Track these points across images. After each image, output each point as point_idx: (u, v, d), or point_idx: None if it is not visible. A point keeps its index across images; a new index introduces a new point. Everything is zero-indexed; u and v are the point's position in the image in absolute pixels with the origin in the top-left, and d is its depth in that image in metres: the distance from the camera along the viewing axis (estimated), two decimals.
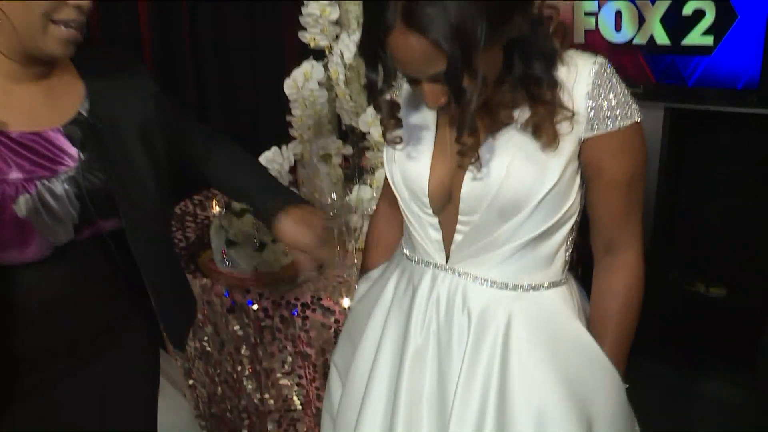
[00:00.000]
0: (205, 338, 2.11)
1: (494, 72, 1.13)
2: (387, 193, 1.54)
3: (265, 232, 2.04)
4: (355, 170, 2.48)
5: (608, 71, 1.19)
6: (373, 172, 2.30)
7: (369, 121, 2.25)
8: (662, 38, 2.65)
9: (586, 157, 1.22)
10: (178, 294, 1.54)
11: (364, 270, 1.62)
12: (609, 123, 1.18)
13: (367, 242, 1.65)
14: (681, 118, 2.82)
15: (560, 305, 1.32)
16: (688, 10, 2.57)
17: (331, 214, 2.20)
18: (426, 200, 1.29)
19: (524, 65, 1.16)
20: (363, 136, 2.39)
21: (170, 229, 1.74)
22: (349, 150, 2.37)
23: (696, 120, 2.88)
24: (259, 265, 2.05)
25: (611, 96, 1.18)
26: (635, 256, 1.31)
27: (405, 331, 1.36)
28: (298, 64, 2.36)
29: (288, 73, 2.36)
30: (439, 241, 1.33)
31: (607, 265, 1.33)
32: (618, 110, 1.19)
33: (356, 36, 2.29)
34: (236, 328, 2.00)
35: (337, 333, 1.93)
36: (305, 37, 2.36)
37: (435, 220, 1.31)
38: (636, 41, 2.71)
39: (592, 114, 1.18)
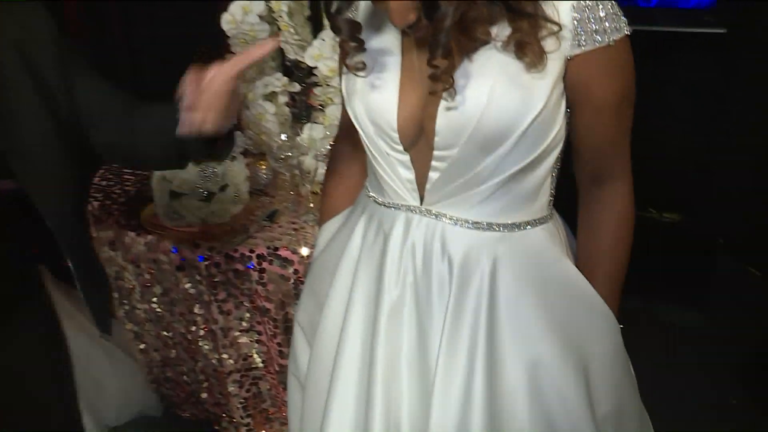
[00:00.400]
0: (154, 299, 1.96)
1: None
2: (345, 130, 1.38)
3: (213, 180, 1.88)
4: (303, 108, 2.32)
5: None
6: (323, 109, 2.15)
7: (316, 55, 2.08)
8: None
9: (572, 77, 1.09)
10: (94, 273, 1.40)
11: (324, 217, 1.49)
12: (598, 37, 1.06)
13: (325, 186, 1.51)
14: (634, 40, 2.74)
15: (547, 244, 1.20)
16: None
17: (282, 156, 2.05)
18: (395, 135, 1.15)
19: None
20: (310, 71, 2.22)
21: (82, 200, 1.56)
22: (295, 87, 2.21)
23: (649, 42, 2.80)
24: (207, 217, 1.89)
25: (599, 7, 1.05)
26: (626, 185, 1.21)
27: (378, 284, 1.22)
28: None
29: (224, 8, 2.17)
30: (411, 180, 1.18)
31: (595, 197, 1.22)
32: (607, 23, 1.06)
33: None
34: (187, 286, 1.86)
35: (297, 284, 1.80)
36: None
37: (406, 157, 1.17)
38: None
39: (579, 28, 1.05)
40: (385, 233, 1.23)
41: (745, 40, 2.57)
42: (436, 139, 1.11)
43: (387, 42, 1.17)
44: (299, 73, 2.32)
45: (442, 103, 1.08)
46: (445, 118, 1.09)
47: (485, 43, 1.07)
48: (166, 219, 1.90)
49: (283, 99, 2.18)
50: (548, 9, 1.05)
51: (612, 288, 1.23)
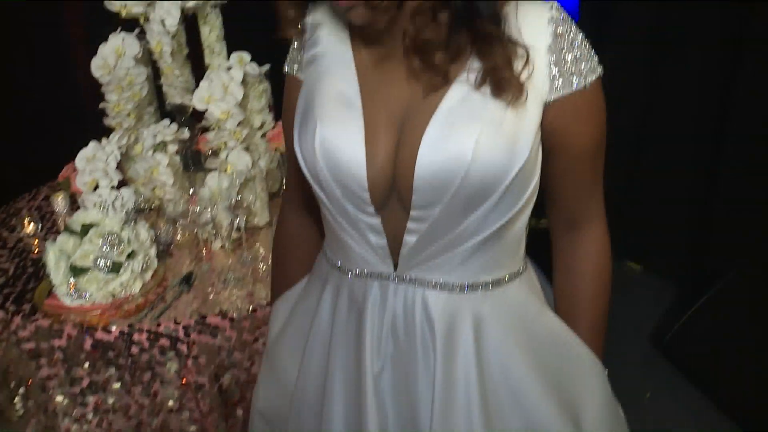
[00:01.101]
0: (61, 393, 1.70)
1: None
2: (294, 186, 1.25)
3: (119, 247, 1.67)
4: (190, 156, 2.14)
5: (566, 17, 1.00)
6: (216, 155, 1.99)
7: (206, 97, 1.92)
8: None
9: (549, 123, 1.01)
10: None
11: (276, 291, 1.34)
12: (575, 80, 0.99)
13: (274, 253, 1.37)
14: None
15: (528, 297, 1.14)
16: None
17: (183, 211, 1.87)
18: (366, 195, 1.02)
19: None
20: (195, 115, 2.06)
21: None
22: (185, 134, 2.02)
23: None
24: (116, 291, 1.68)
25: (574, 47, 0.99)
26: (602, 228, 1.16)
27: (357, 360, 1.10)
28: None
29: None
30: (383, 246, 1.07)
31: (571, 242, 1.16)
32: (582, 64, 1.00)
33: None
34: (109, 371, 1.64)
35: (231, 353, 1.64)
36: (114, 5, 1.95)
37: (377, 221, 1.05)
38: None
39: (555, 71, 0.98)
40: (358, 307, 1.11)
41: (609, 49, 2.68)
42: (414, 198, 1.00)
43: (342, 79, 1.05)
44: (181, 117, 2.15)
45: (421, 157, 0.97)
46: (426, 173, 0.97)
47: (458, 79, 0.98)
48: (68, 299, 1.66)
49: (173, 148, 2.00)
50: (514, 34, 0.97)
51: (596, 334, 1.18)
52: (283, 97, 1.20)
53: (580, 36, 1.01)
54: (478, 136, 0.95)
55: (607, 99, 1.06)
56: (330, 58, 1.08)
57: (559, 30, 0.99)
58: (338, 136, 1.02)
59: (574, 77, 0.99)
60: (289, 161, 1.28)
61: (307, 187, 1.11)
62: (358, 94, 1.04)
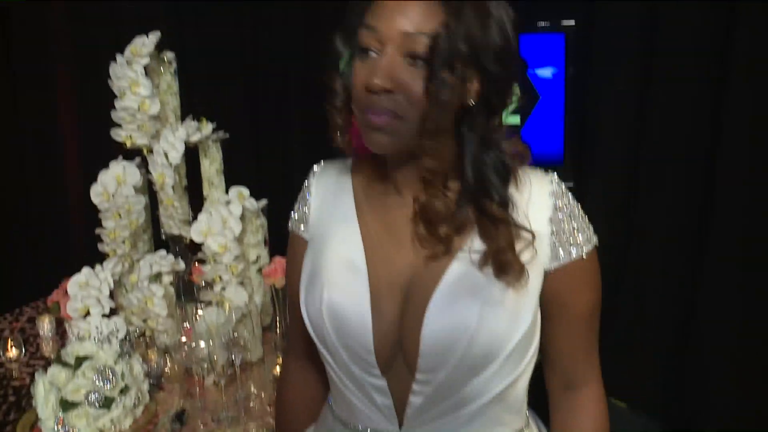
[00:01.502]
0: None
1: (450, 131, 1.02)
2: (297, 337, 1.26)
3: (112, 381, 1.64)
4: (183, 287, 2.15)
5: (564, 190, 1.08)
6: (211, 288, 2.00)
7: (203, 230, 1.95)
8: None
9: (549, 291, 1.08)
10: None
11: None
12: (573, 250, 1.06)
13: (279, 404, 1.38)
14: None
15: None
16: None
17: (177, 343, 1.85)
18: (372, 358, 1.05)
19: (475, 171, 1.02)
20: (191, 247, 2.08)
21: None
22: (181, 265, 2.04)
23: None
24: (106, 427, 1.64)
25: (573, 219, 1.07)
26: (599, 390, 1.19)
27: None
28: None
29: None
30: (389, 406, 1.09)
31: (568, 403, 1.18)
32: (580, 235, 1.07)
33: (180, 132, 2.00)
34: None
35: None
36: (119, 135, 2.00)
37: (383, 383, 1.07)
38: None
39: (556, 242, 1.06)
40: None
41: (590, 194, 2.79)
42: (420, 362, 1.03)
43: (348, 245, 1.09)
44: (176, 247, 2.17)
45: (427, 325, 1.02)
46: (431, 339, 1.02)
47: (451, 250, 1.03)
48: None
49: (168, 279, 2.00)
50: (520, 217, 1.04)
51: None
52: (288, 253, 1.24)
53: (578, 208, 1.08)
54: (480, 309, 1.00)
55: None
56: (336, 223, 1.12)
57: (559, 203, 1.06)
58: (345, 301, 1.06)
59: (573, 248, 1.06)
60: (292, 313, 1.29)
61: (311, 339, 1.13)
62: (364, 259, 1.08)
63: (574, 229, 1.06)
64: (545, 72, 2.64)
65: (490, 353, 1.01)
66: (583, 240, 1.07)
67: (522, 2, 2.74)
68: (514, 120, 2.62)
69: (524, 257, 1.02)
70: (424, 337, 1.02)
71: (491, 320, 1.00)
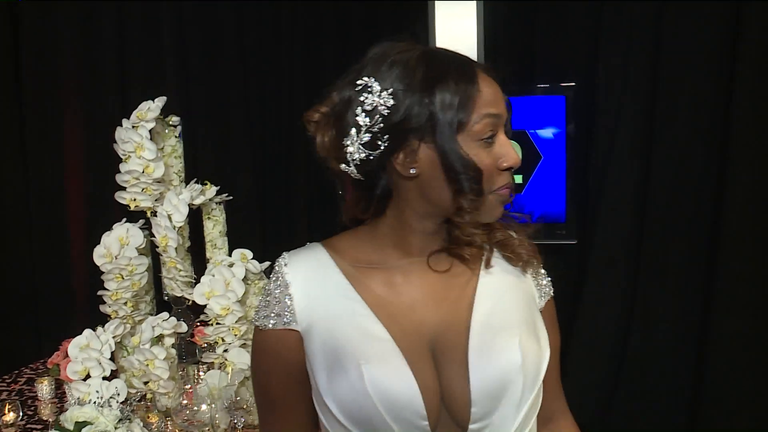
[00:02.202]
0: None
1: None
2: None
3: None
4: (184, 348, 2.14)
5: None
6: (212, 349, 1.99)
7: (206, 293, 1.94)
8: None
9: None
10: None
11: None
12: (546, 291, 1.18)
13: None
14: None
15: None
16: None
17: (179, 407, 1.83)
18: (425, 424, 1.01)
19: None
20: (193, 308, 2.08)
21: None
22: (183, 327, 2.03)
23: None
24: None
25: (541, 269, 1.18)
26: (571, 417, 1.26)
27: None
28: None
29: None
30: None
31: None
32: (544, 280, 1.18)
33: (185, 195, 2.02)
34: None
35: None
36: (123, 198, 2.02)
37: None
38: None
39: (537, 287, 1.16)
40: None
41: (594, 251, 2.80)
42: (473, 410, 1.02)
43: (361, 317, 1.06)
44: (178, 308, 2.16)
45: (472, 372, 1.02)
46: (480, 389, 1.02)
47: (469, 293, 1.08)
48: None
49: (170, 341, 2.00)
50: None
51: None
52: (260, 357, 1.14)
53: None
54: (519, 337, 1.05)
55: None
56: (335, 302, 1.08)
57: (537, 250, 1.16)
58: (387, 371, 1.01)
59: (546, 288, 1.17)
60: (276, 419, 1.17)
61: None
62: (383, 327, 1.05)
63: (543, 272, 1.18)
64: (546, 132, 2.67)
65: (531, 384, 1.04)
66: (547, 285, 1.18)
67: (523, 65, 2.82)
68: (517, 179, 2.67)
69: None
70: (474, 387, 1.02)
71: (529, 350, 1.05)
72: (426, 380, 1.02)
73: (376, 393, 1.00)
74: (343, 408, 1.02)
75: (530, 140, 2.66)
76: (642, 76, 2.74)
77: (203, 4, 3.03)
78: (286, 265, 1.11)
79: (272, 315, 1.09)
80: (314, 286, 1.09)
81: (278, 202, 3.22)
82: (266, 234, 3.17)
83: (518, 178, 2.66)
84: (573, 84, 2.71)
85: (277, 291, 1.10)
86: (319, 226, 2.89)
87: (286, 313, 1.08)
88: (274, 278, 1.11)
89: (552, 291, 1.18)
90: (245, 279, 1.97)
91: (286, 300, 1.09)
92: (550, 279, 1.19)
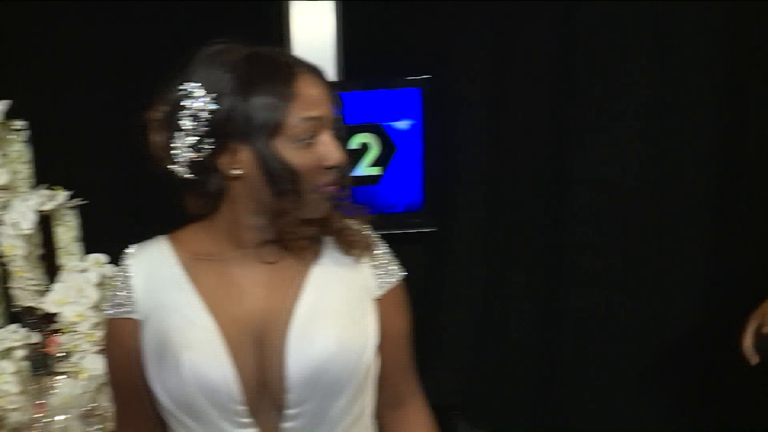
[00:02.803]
0: None
1: None
2: (134, 425, 1.21)
3: None
4: (37, 359, 2.08)
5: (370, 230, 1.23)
6: (67, 358, 1.95)
7: (58, 300, 1.91)
8: None
9: (378, 315, 1.20)
10: None
11: None
12: (389, 279, 1.22)
13: None
14: None
15: None
16: (355, 144, 2.74)
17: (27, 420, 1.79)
18: (242, 409, 1.08)
19: None
20: (45, 317, 2.02)
21: None
22: (34, 338, 1.97)
23: None
24: None
25: (386, 255, 1.24)
26: (423, 402, 1.32)
27: None
28: None
29: None
30: None
31: (400, 420, 1.29)
32: (390, 266, 1.23)
33: (32, 201, 1.96)
34: None
35: None
36: None
37: (255, 430, 1.10)
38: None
39: (377, 274, 1.21)
40: None
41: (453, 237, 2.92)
42: (289, 396, 1.08)
43: (189, 308, 1.12)
44: (30, 319, 2.10)
45: (288, 358, 1.07)
46: (295, 374, 1.07)
47: (299, 283, 1.13)
48: None
49: (20, 354, 1.94)
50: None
51: None
52: (108, 343, 1.21)
53: (383, 243, 1.24)
54: (336, 331, 1.09)
55: None
56: (169, 292, 1.14)
57: (375, 240, 1.22)
58: (205, 359, 1.07)
59: (389, 277, 1.22)
60: (122, 401, 1.23)
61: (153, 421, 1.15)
62: (209, 316, 1.10)
63: (387, 261, 1.23)
64: (402, 124, 2.74)
65: (349, 372, 1.10)
66: (393, 270, 1.23)
67: (380, 60, 2.88)
68: (375, 171, 2.74)
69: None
70: (289, 373, 1.07)
71: (347, 340, 1.09)
72: (246, 367, 1.08)
73: (195, 379, 1.06)
74: (169, 395, 1.09)
75: (385, 133, 2.73)
76: (491, 68, 2.86)
77: (46, 5, 2.92)
78: (130, 257, 1.18)
79: (116, 304, 1.16)
80: (154, 277, 1.15)
81: (140, 202, 3.15)
82: (130, 236, 3.09)
83: (375, 170, 2.74)
84: (428, 76, 2.79)
85: (120, 282, 1.17)
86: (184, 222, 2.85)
87: (127, 303, 1.15)
88: (119, 270, 1.18)
89: (397, 278, 1.23)
90: (101, 284, 1.94)
91: (128, 290, 1.15)
92: (396, 266, 1.24)
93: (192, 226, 1.18)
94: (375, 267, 1.21)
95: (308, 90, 1.06)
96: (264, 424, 1.10)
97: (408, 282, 2.95)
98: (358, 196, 2.75)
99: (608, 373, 2.82)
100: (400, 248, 2.94)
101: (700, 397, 2.76)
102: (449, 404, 2.84)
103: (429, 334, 2.96)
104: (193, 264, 1.14)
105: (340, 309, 1.13)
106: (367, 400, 1.20)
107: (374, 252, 1.21)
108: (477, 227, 2.91)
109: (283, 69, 1.06)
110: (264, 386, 1.09)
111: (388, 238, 2.73)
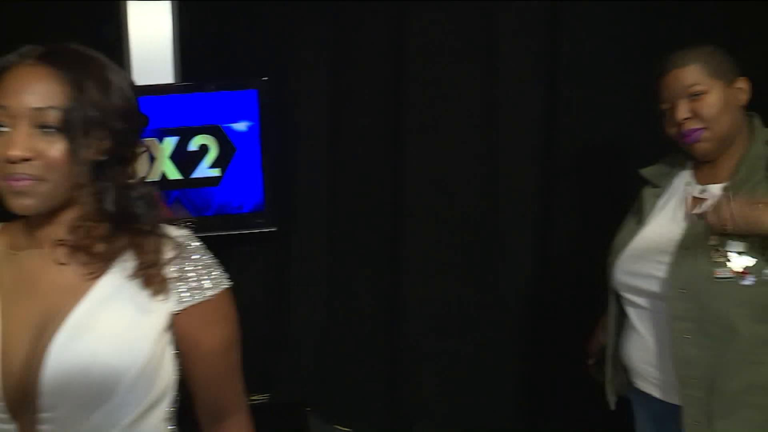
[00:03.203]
0: None
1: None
2: None
3: None
4: None
5: (192, 242, 1.21)
6: None
7: None
8: (173, 174, 2.75)
9: (179, 330, 1.19)
10: None
11: None
12: (197, 294, 1.18)
13: None
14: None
15: None
16: (194, 145, 2.73)
17: None
18: (2, 404, 1.10)
19: (119, 207, 1.16)
20: None
21: None
22: None
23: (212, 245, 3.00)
24: None
25: (198, 265, 1.19)
26: (244, 415, 1.31)
27: None
28: None
29: None
30: None
31: None
32: (206, 277, 1.19)
33: None
34: None
35: None
36: None
37: (12, 426, 1.11)
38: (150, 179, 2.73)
39: (180, 286, 1.17)
40: None
41: (295, 236, 2.97)
42: (40, 400, 1.08)
43: None
44: None
45: (47, 363, 1.08)
46: (49, 380, 1.08)
47: (83, 290, 1.12)
48: None
49: None
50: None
51: None
52: None
53: (204, 254, 1.21)
54: (95, 344, 1.09)
55: None
56: None
57: (184, 253, 1.18)
58: None
59: (197, 291, 1.18)
60: None
61: None
62: None
63: (200, 275, 1.18)
64: (240, 126, 2.76)
65: (108, 387, 1.09)
66: (210, 284, 1.19)
67: (218, 62, 2.87)
68: (214, 172, 2.73)
69: (166, 273, 1.16)
70: (44, 376, 1.07)
71: (105, 356, 1.08)
72: (13, 365, 1.09)
73: None
74: None
75: (224, 134, 2.74)
76: (328, 69, 2.93)
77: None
78: None
79: None
80: None
81: None
82: None
83: (215, 171, 2.74)
84: (266, 78, 2.82)
85: None
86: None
87: None
88: None
89: (214, 291, 1.19)
90: None
91: None
92: (218, 276, 1.20)
93: (21, 219, 1.18)
94: (179, 281, 1.17)
95: (11, 80, 1.08)
96: (23, 424, 1.11)
97: (251, 283, 2.94)
98: (197, 197, 2.75)
99: (450, 368, 2.95)
100: (242, 249, 2.97)
101: (541, 393, 2.92)
102: (300, 402, 2.89)
103: (275, 333, 2.99)
104: (5, 257, 1.17)
105: (113, 324, 1.11)
106: (154, 414, 1.17)
107: (184, 264, 1.18)
108: (318, 225, 2.98)
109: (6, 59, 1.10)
110: (24, 386, 1.09)
111: (228, 240, 2.71)
